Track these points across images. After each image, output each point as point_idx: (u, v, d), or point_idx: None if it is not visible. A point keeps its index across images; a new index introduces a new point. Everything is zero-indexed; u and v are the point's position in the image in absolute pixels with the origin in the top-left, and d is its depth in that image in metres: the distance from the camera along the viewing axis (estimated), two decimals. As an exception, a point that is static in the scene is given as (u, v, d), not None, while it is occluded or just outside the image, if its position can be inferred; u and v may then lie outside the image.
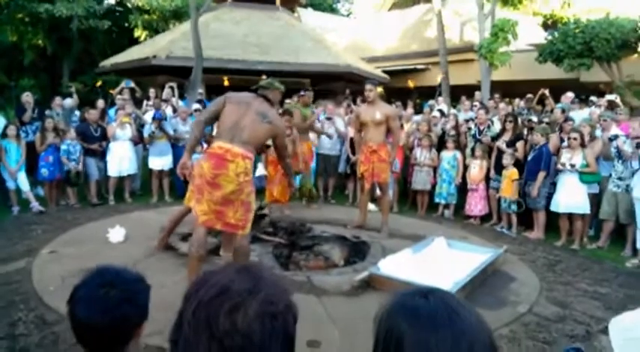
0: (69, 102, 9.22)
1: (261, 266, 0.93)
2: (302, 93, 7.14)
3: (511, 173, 6.55)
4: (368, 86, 5.67)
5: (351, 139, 7.97)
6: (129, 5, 19.64)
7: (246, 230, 3.66)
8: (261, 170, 6.35)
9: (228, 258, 4.16)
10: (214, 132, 5.69)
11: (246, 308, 0.79)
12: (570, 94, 8.96)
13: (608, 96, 8.94)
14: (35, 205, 6.82)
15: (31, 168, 7.13)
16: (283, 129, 3.98)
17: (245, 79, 11.23)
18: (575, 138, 5.97)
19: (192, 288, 0.85)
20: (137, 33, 18.40)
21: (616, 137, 6.02)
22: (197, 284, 0.86)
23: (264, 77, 9.68)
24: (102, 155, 7.53)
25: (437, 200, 7.50)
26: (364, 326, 1.01)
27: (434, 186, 7.56)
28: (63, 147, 7.09)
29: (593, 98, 9.21)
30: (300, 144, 6.65)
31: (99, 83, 10.89)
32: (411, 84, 11.64)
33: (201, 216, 3.53)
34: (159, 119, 7.70)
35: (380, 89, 5.83)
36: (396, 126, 5.76)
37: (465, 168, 7.35)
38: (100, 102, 8.48)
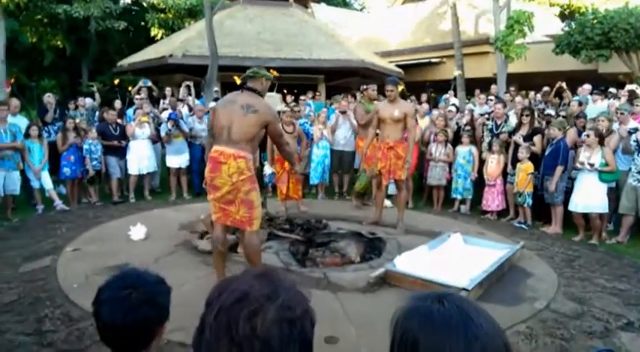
0: (89, 101, 9.42)
1: (279, 272, 0.97)
2: (365, 86, 6.87)
3: (526, 166, 6.50)
4: (389, 86, 5.66)
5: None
6: (144, 4, 19.88)
7: (253, 226, 3.69)
8: (268, 168, 6.35)
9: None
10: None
11: (265, 313, 0.82)
12: (587, 86, 8.83)
13: (629, 87, 8.78)
14: (59, 204, 6.99)
15: (54, 167, 7.32)
16: (272, 115, 3.75)
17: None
18: (588, 135, 5.88)
19: (214, 294, 0.89)
20: (153, 32, 18.62)
21: (636, 130, 5.92)
22: (218, 289, 0.90)
23: (274, 73, 9.77)
24: (122, 154, 7.68)
25: (453, 195, 7.48)
26: (381, 322, 1.05)
27: (450, 182, 7.54)
28: (85, 146, 7.26)
29: (611, 90, 9.05)
30: (362, 140, 6.62)
31: (116, 82, 11.06)
32: (424, 78, 11.58)
33: (213, 215, 3.77)
34: (174, 119, 7.82)
35: (401, 87, 5.83)
36: (413, 125, 5.76)
37: (482, 162, 7.31)
38: (117, 103, 8.67)
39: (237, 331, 0.81)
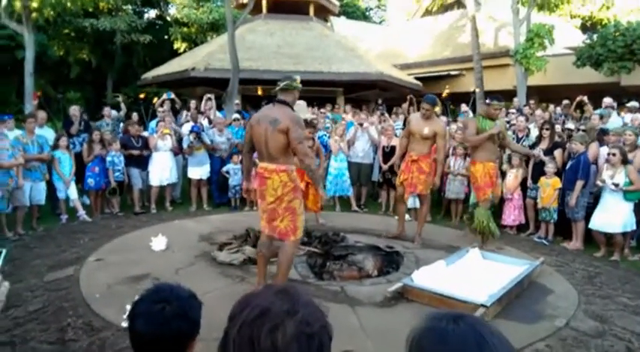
0: (114, 112, 9.66)
1: (298, 288, 1.01)
2: (489, 101, 5.97)
3: (554, 181, 6.41)
4: (425, 105, 5.62)
5: (383, 148, 8.03)
6: (168, 19, 20.37)
7: (297, 235, 3.94)
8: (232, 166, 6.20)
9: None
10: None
11: (285, 328, 0.87)
12: (608, 100, 8.71)
13: None
14: (82, 214, 7.16)
15: (78, 178, 7.50)
16: (292, 120, 3.77)
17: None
18: (614, 154, 5.78)
19: (237, 309, 0.94)
20: (176, 45, 19.05)
21: (660, 145, 5.82)
22: (241, 305, 0.95)
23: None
24: (144, 165, 7.84)
25: (471, 209, 7.41)
26: (398, 337, 1.07)
27: (468, 195, 7.49)
28: (108, 158, 7.43)
29: (634, 103, 8.91)
30: (476, 164, 5.67)
31: (142, 95, 11.32)
32: (445, 92, 11.56)
33: (263, 228, 4.07)
34: (196, 132, 7.97)
35: (437, 108, 5.78)
36: (442, 145, 5.66)
37: (502, 175, 7.24)
38: (135, 116, 8.94)
39: (259, 345, 0.86)
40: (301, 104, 5.39)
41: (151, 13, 21.37)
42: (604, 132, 6.94)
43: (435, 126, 5.62)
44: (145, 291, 1.38)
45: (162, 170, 7.84)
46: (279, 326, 0.87)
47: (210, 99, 9.62)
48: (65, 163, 7.11)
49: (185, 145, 7.98)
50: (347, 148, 8.11)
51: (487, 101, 5.97)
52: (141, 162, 7.80)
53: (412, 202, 7.12)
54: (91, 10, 16.94)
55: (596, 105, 8.94)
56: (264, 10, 15.00)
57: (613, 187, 5.69)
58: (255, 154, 4.20)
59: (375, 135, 8.36)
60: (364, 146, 8.28)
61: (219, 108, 10.08)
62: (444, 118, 9.32)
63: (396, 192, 6.17)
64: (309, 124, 6.39)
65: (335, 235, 5.70)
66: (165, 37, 19.67)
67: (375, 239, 5.89)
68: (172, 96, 10.22)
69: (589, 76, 11.73)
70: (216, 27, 18.79)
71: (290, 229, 3.90)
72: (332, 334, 0.94)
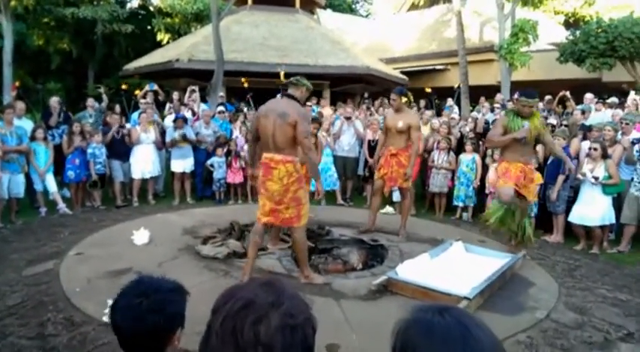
0: (96, 104, 9.48)
1: (283, 281, 1.00)
2: (516, 97, 5.53)
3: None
4: (393, 95, 5.68)
5: (369, 142, 8.04)
6: (151, 9, 20.03)
7: (301, 222, 4.12)
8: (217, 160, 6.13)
9: (276, 249, 5.06)
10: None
11: (269, 320, 0.86)
12: (590, 95, 8.84)
13: (632, 95, 8.81)
14: (62, 207, 7.04)
15: (58, 170, 7.37)
16: (300, 115, 3.96)
17: (265, 81, 11.39)
18: (595, 149, 5.88)
19: (221, 301, 0.93)
20: (160, 36, 18.75)
21: (639, 141, 5.93)
22: (225, 297, 0.93)
23: (282, 78, 9.83)
24: (126, 157, 7.73)
25: (455, 202, 7.49)
26: (382, 330, 1.07)
27: (451, 189, 7.55)
28: (89, 150, 7.30)
29: (613, 99, 9.05)
30: (502, 163, 5.09)
31: (124, 86, 11.13)
32: (428, 88, 11.65)
33: (262, 217, 4.17)
34: (182, 118, 7.89)
35: (405, 98, 5.75)
36: (416, 137, 5.66)
37: (485, 170, 7.32)
38: (117, 107, 8.81)
39: (242, 337, 0.85)
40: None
41: (134, 3, 21.00)
42: (585, 127, 7.04)
43: (408, 118, 5.64)
44: (128, 284, 1.37)
45: (144, 162, 7.74)
46: (262, 318, 0.86)
47: (194, 90, 9.52)
48: (40, 155, 6.97)
49: (168, 138, 7.88)
50: (333, 142, 8.10)
51: (515, 96, 5.62)
52: (123, 154, 7.68)
53: (397, 196, 7.15)
54: (71, -1, 16.62)
55: (578, 100, 9.06)
56: (250, 1, 14.85)
57: (593, 180, 5.80)
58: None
59: (361, 129, 8.37)
60: (350, 140, 8.28)
61: (203, 100, 9.97)
62: (428, 112, 9.38)
63: (373, 185, 6.15)
64: (315, 120, 6.36)
65: (320, 229, 5.70)
66: (148, 27, 19.33)
67: (365, 234, 5.89)
68: (155, 87, 10.08)
69: (572, 71, 11.89)
70: (200, 18, 18.53)
71: (295, 217, 4.09)
72: (316, 326, 0.93)
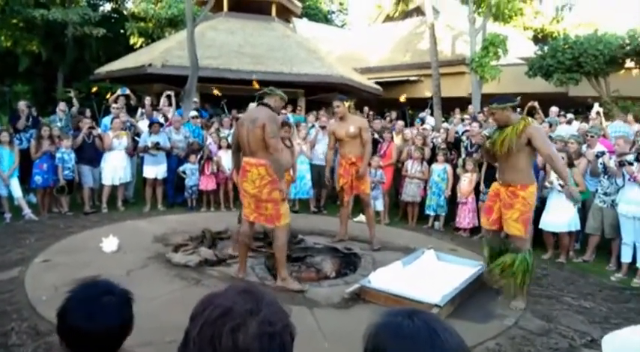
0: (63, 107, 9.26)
1: (261, 288, 1.00)
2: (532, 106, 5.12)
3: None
4: (335, 102, 5.80)
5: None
6: (124, 12, 19.73)
7: (281, 222, 4.31)
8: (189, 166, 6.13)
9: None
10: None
11: (247, 327, 0.86)
12: (555, 109, 9.15)
13: (596, 108, 9.17)
14: (28, 213, 6.83)
15: (24, 175, 7.15)
16: (268, 118, 4.21)
17: (239, 88, 11.35)
18: (562, 158, 6.08)
19: (199, 309, 0.93)
20: (133, 40, 18.47)
21: (602, 154, 6.15)
22: (203, 305, 0.93)
23: (256, 84, 9.84)
24: (96, 163, 7.56)
25: (427, 212, 7.60)
26: (354, 338, 1.08)
27: (424, 198, 7.67)
28: (58, 155, 7.12)
29: (570, 116, 9.39)
30: (494, 187, 4.41)
31: (94, 90, 10.89)
32: (402, 98, 11.84)
33: (249, 215, 4.43)
34: (157, 123, 7.79)
35: (347, 103, 5.88)
36: (368, 138, 5.79)
37: (456, 180, 7.46)
38: (88, 112, 8.64)
39: (220, 344, 0.84)
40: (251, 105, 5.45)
41: (107, 6, 20.66)
42: (551, 139, 7.27)
43: (356, 122, 5.79)
44: (77, 286, 1.35)
45: (115, 169, 7.59)
46: (241, 326, 0.86)
47: (169, 96, 9.40)
48: (5, 159, 6.76)
49: (142, 143, 7.75)
50: (309, 151, 8.11)
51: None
52: (93, 159, 7.51)
53: (380, 205, 7.46)
54: (42, 0, 16.20)
55: (546, 114, 9.35)
56: (225, 8, 14.81)
57: (559, 188, 6.00)
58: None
59: (335, 137, 8.41)
60: (325, 149, 8.29)
61: (177, 105, 9.86)
62: (401, 122, 9.51)
63: (339, 198, 6.19)
64: (284, 124, 6.37)
65: (293, 237, 5.69)
66: (121, 31, 19.01)
67: (338, 242, 5.92)
68: (127, 92, 9.90)
69: (540, 85, 12.27)
70: (174, 23, 18.35)
71: (274, 216, 4.29)
72: (295, 334, 0.94)
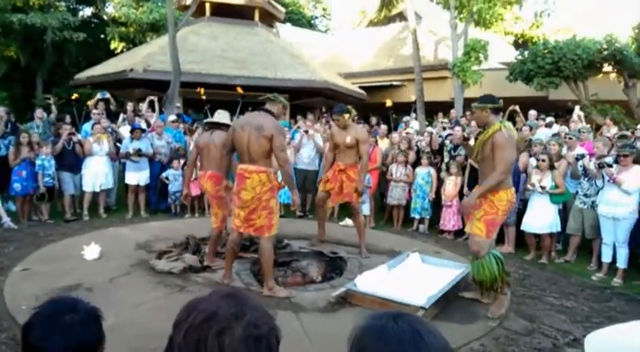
0: (45, 114, 9.09)
1: (246, 293, 1.00)
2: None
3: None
4: (335, 116, 5.73)
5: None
6: (105, 17, 19.50)
7: (272, 232, 4.27)
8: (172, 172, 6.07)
9: (214, 266, 4.93)
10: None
11: (233, 331, 0.86)
12: (533, 112, 9.31)
13: (577, 111, 9.35)
14: (7, 221, 6.67)
15: (3, 183, 6.99)
16: (276, 130, 4.18)
17: (223, 93, 11.29)
18: (543, 160, 6.20)
19: (183, 315, 0.92)
20: (113, 45, 18.25)
21: (582, 156, 6.28)
22: (187, 310, 0.92)
23: (240, 90, 9.80)
24: (77, 169, 7.44)
25: (412, 215, 7.65)
26: (340, 342, 1.08)
27: (409, 202, 7.71)
28: (38, 162, 6.98)
29: (550, 119, 9.57)
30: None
31: (75, 96, 10.73)
32: (388, 102, 11.92)
33: (239, 226, 4.32)
34: (138, 128, 7.70)
35: (347, 116, 5.74)
36: (365, 150, 5.68)
37: (441, 183, 7.53)
38: (67, 118, 8.51)
39: (205, 348, 0.84)
40: (223, 113, 5.38)
41: (87, 11, 20.39)
42: (532, 143, 7.39)
43: (355, 133, 5.64)
44: (43, 303, 1.29)
45: (96, 175, 7.48)
46: (226, 330, 0.86)
47: (153, 101, 9.30)
48: (-17, 166, 6.61)
49: (123, 149, 7.65)
50: (293, 155, 8.11)
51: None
52: (74, 166, 7.39)
53: (366, 209, 7.47)
54: (20, 4, 15.91)
55: (527, 117, 9.49)
56: (208, 12, 14.76)
57: (540, 190, 6.11)
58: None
59: (321, 142, 8.43)
60: (310, 153, 8.33)
61: (160, 111, 9.77)
62: (384, 127, 9.57)
63: (317, 197, 6.15)
64: None
65: (279, 242, 5.66)
66: (102, 36, 18.78)
67: (319, 245, 5.91)
68: (107, 95, 9.75)
69: (521, 90, 12.46)
70: (156, 28, 18.18)
71: (266, 226, 4.22)
72: (280, 337, 0.94)
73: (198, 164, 5.56)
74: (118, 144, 7.98)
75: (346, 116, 5.59)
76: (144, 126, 8.49)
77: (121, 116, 9.40)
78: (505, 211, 4.08)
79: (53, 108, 9.51)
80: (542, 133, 8.17)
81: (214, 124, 5.28)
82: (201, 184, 5.35)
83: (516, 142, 6.99)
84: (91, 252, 5.11)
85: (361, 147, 5.62)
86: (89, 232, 6.32)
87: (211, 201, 5.29)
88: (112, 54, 16.98)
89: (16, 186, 6.90)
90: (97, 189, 7.55)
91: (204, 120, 7.17)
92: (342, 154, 5.75)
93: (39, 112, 8.65)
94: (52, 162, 7.14)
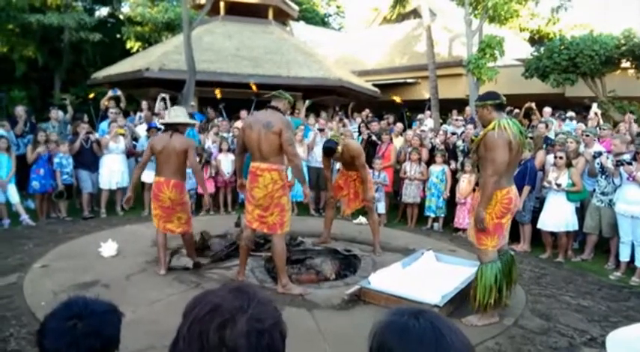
0: (61, 114, 9.24)
1: (254, 287, 1.00)
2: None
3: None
4: (325, 152, 5.64)
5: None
6: (121, 17, 19.73)
7: (284, 229, 4.30)
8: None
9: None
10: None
11: (235, 324, 0.86)
12: (548, 109, 9.18)
13: (594, 108, 9.19)
14: (25, 218, 6.81)
15: (22, 181, 7.13)
16: (285, 124, 4.20)
17: (237, 91, 11.35)
18: (561, 158, 6.12)
19: (190, 306, 0.93)
20: (129, 44, 18.46)
21: (600, 154, 6.18)
22: (194, 302, 0.93)
23: (254, 87, 9.84)
24: (94, 168, 7.55)
25: (426, 213, 7.61)
26: (355, 340, 1.09)
27: (423, 200, 7.68)
28: (56, 160, 7.11)
29: (570, 113, 9.42)
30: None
31: (92, 95, 10.87)
32: (397, 99, 11.86)
33: (252, 223, 4.37)
34: (155, 127, 7.77)
35: (339, 149, 5.59)
36: (361, 164, 5.60)
37: (455, 181, 7.47)
38: (84, 117, 8.62)
39: (207, 341, 0.85)
40: (178, 109, 5.33)
41: (103, 11, 20.64)
42: (549, 140, 7.29)
43: (350, 151, 5.56)
44: (57, 306, 1.28)
45: (113, 173, 7.58)
46: (228, 322, 0.86)
47: (164, 99, 9.38)
48: (3, 164, 6.74)
49: (140, 148, 7.74)
50: (306, 153, 8.13)
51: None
52: (91, 164, 7.50)
53: (381, 207, 7.53)
54: (37, 5, 16.18)
55: (542, 115, 9.36)
56: (222, 11, 14.83)
57: (556, 187, 6.02)
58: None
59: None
60: (323, 151, 8.32)
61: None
62: (400, 124, 9.53)
63: (327, 197, 6.17)
64: None
65: (292, 239, 5.69)
66: (118, 35, 19.01)
67: (333, 242, 5.93)
68: (118, 92, 9.82)
69: (536, 86, 12.28)
70: (171, 27, 18.35)
71: (278, 223, 4.25)
72: (285, 331, 0.93)
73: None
74: (134, 142, 8.07)
75: (339, 148, 5.47)
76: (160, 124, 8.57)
77: (138, 114, 9.50)
78: (498, 213, 3.74)
79: (69, 108, 9.65)
80: (568, 126, 8.10)
81: (171, 125, 4.80)
82: (162, 192, 4.68)
83: (534, 139, 6.84)
84: (108, 249, 5.19)
85: (356, 162, 5.59)
86: (106, 229, 6.42)
87: (174, 207, 4.75)
88: (127, 53, 17.19)
89: (35, 184, 7.03)
90: (114, 187, 7.65)
91: (160, 121, 7.10)
92: (346, 166, 5.82)
93: (54, 113, 8.78)
94: (70, 160, 7.27)
